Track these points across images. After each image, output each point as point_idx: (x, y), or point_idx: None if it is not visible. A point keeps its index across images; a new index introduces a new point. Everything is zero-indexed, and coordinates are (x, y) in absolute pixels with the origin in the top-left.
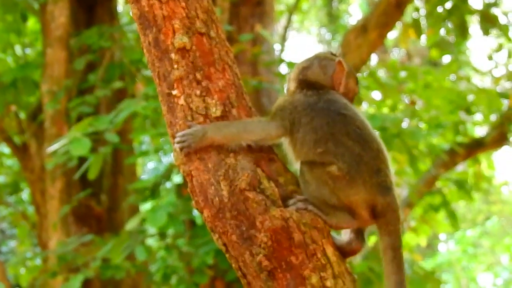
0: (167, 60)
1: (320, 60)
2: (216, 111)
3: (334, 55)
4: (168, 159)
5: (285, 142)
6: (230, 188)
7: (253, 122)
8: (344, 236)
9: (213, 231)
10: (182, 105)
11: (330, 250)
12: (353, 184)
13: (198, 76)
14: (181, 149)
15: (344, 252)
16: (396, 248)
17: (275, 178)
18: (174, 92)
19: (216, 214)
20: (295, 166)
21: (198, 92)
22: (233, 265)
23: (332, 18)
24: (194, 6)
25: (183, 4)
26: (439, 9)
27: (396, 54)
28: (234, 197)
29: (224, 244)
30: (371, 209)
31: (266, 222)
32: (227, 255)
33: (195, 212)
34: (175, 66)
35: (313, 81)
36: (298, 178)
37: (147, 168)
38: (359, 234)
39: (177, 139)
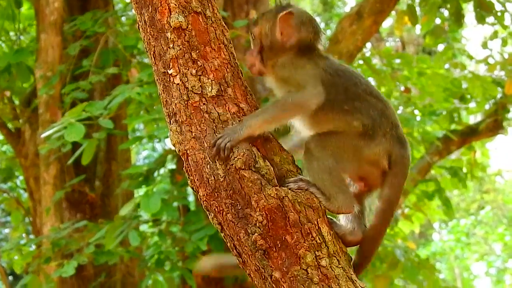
0: (163, 39)
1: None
2: (211, 90)
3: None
4: (163, 145)
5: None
6: (226, 167)
7: (286, 99)
8: (346, 225)
9: (208, 210)
10: (177, 84)
11: (325, 229)
12: (375, 137)
13: (194, 55)
14: (225, 145)
15: (346, 241)
16: (392, 202)
17: (270, 157)
18: (170, 71)
19: (212, 193)
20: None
21: (193, 71)
22: (228, 244)
23: (327, 6)
24: None
25: None
26: None
27: (391, 42)
28: (230, 176)
29: (220, 223)
30: (389, 160)
31: (262, 201)
32: (222, 234)
33: (190, 199)
34: (171, 45)
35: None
36: (304, 157)
37: (142, 156)
38: (361, 224)
39: (218, 140)
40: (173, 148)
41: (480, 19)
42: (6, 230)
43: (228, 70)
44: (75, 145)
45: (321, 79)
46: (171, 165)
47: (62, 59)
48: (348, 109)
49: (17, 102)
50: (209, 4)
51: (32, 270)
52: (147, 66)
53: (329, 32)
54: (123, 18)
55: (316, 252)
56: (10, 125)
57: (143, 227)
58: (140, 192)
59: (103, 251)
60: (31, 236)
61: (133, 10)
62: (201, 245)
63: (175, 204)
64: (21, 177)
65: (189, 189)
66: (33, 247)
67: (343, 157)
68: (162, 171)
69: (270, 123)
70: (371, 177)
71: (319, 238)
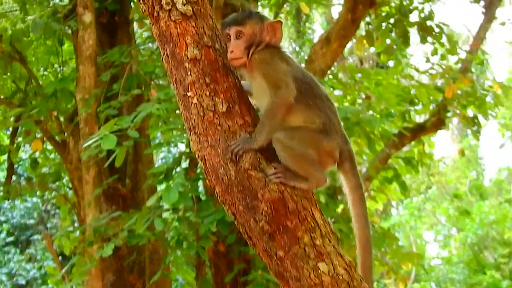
0: (182, 68)
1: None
2: (222, 107)
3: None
4: (178, 149)
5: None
6: (236, 168)
7: (271, 106)
8: None
9: (223, 203)
10: (195, 103)
11: (317, 215)
12: (330, 134)
13: (207, 80)
14: (238, 151)
15: None
16: (361, 187)
17: (272, 159)
18: (189, 94)
19: (226, 190)
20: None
21: (207, 93)
22: (241, 230)
23: (300, 34)
24: (202, 24)
25: (193, 23)
26: (386, 23)
27: (352, 60)
28: (240, 175)
29: (233, 213)
30: (340, 153)
31: (266, 195)
32: (235, 222)
33: (200, 189)
34: (189, 73)
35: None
36: (276, 147)
37: (160, 157)
38: None
39: (231, 147)
40: (184, 150)
41: (423, 40)
42: (55, 221)
43: (234, 90)
44: (109, 151)
45: (293, 75)
46: (185, 164)
47: (96, 84)
48: (312, 105)
49: (62, 119)
50: (217, 39)
51: (79, 252)
52: (164, 87)
53: (302, 54)
54: (142, 48)
55: (311, 234)
56: (57, 138)
57: (165, 215)
58: (161, 186)
59: (134, 235)
60: (77, 225)
61: (150, 44)
62: (211, 227)
63: (190, 195)
64: (66, 178)
65: (200, 182)
66: (78, 233)
67: (307, 146)
68: (178, 169)
69: (272, 132)
70: (326, 165)
71: (313, 223)
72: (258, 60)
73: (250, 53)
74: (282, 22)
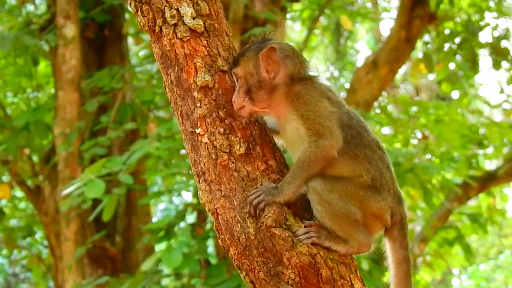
0: (190, 98)
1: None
2: (240, 148)
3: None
4: (182, 199)
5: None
6: (257, 225)
7: (308, 156)
8: None
9: (240, 268)
10: (206, 143)
11: (358, 286)
12: (381, 192)
13: (221, 114)
14: (259, 204)
15: None
16: (409, 261)
17: (301, 214)
18: (198, 131)
19: (243, 252)
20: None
21: (221, 130)
22: None
23: (340, 54)
24: (216, 44)
25: (205, 42)
26: (450, 44)
27: (404, 89)
28: (261, 234)
29: (252, 282)
30: (391, 216)
31: (293, 259)
32: None
33: (209, 250)
34: (198, 104)
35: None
36: (311, 198)
37: (158, 209)
38: None
39: (251, 199)
40: (191, 200)
41: (496, 65)
42: (25, 286)
43: (256, 127)
44: (95, 201)
45: (338, 118)
46: (191, 219)
47: (80, 115)
48: (360, 156)
49: (36, 159)
50: None
51: None
52: (165, 120)
53: (342, 80)
54: (138, 70)
55: None
56: (29, 182)
57: (165, 281)
58: (160, 246)
59: None
60: None
61: (148, 65)
62: None
63: (197, 257)
64: (40, 233)
65: (210, 242)
66: None
67: (350, 203)
68: (182, 224)
69: (302, 186)
70: (372, 230)
71: None
72: (291, 98)
73: (254, 99)
74: (275, 48)
